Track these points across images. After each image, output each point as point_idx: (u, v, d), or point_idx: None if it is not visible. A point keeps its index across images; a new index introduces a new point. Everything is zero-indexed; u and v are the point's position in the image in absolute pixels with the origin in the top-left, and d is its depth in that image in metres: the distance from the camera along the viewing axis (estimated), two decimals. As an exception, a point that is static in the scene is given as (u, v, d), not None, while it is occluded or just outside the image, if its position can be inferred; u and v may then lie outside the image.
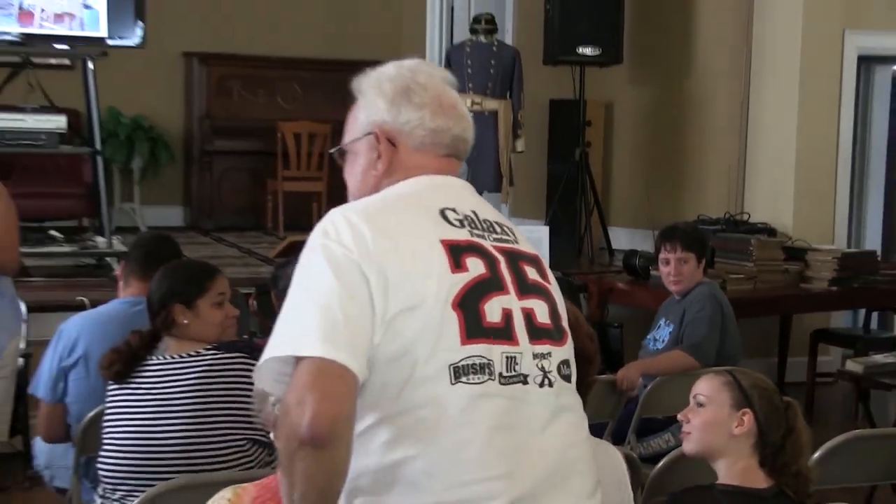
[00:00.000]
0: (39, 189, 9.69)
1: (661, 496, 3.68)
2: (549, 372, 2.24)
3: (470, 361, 2.14)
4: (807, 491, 3.30)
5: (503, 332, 2.19)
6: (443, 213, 2.28)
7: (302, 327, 2.07)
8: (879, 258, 8.73)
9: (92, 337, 4.20)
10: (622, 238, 9.83)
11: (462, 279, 2.18)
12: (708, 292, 5.73)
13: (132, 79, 10.49)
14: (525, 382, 2.20)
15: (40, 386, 4.57)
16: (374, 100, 2.40)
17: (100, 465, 3.75)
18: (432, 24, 12.25)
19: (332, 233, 2.16)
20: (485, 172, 9.31)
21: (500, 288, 2.23)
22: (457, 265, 2.19)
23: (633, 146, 10.62)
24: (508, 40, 10.26)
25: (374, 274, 2.09)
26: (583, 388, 3.09)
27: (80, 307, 6.24)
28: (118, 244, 8.34)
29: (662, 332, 5.78)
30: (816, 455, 3.87)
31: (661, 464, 3.97)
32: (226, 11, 11.58)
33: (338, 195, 9.11)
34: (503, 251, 2.30)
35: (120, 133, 11.03)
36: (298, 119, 11.00)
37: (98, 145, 9.00)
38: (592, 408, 4.40)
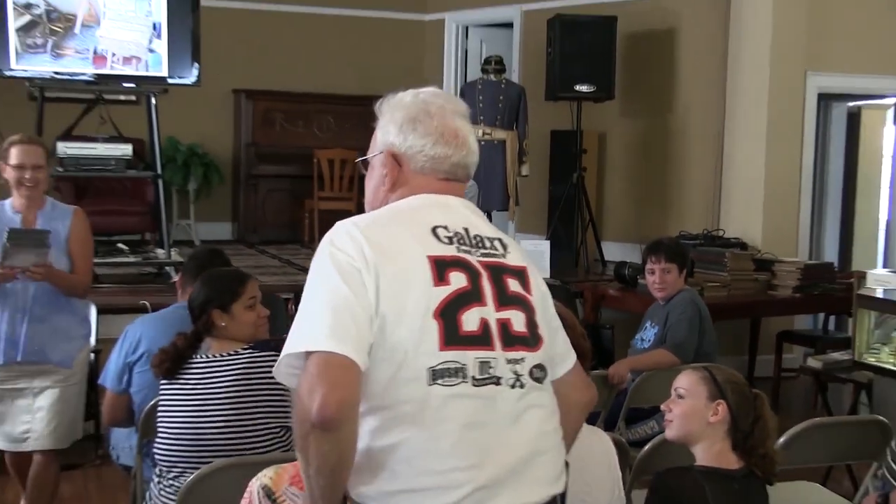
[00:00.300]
0: (109, 207, 9.71)
1: (647, 475, 3.67)
2: (521, 375, 2.25)
3: (446, 366, 2.16)
4: (773, 471, 3.30)
5: (480, 340, 2.22)
6: (434, 230, 2.29)
7: (313, 326, 2.12)
8: (836, 269, 8.69)
9: (153, 336, 4.21)
10: (614, 251, 9.79)
11: (443, 292, 2.20)
12: (688, 298, 5.73)
13: (188, 112, 10.48)
14: (498, 384, 2.21)
15: (108, 377, 4.58)
16: (388, 124, 2.46)
17: (156, 450, 3.80)
18: (449, 65, 12.24)
19: (337, 243, 2.20)
20: (494, 193, 9.33)
21: (479, 299, 2.25)
22: (440, 279, 2.21)
23: (623, 171, 10.60)
24: (515, 79, 10.26)
25: (370, 280, 2.14)
26: None
27: (143, 310, 6.30)
28: (176, 255, 8.40)
29: (648, 333, 5.77)
30: (781, 440, 3.86)
31: (646, 447, 3.96)
32: (269, 54, 11.58)
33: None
34: (488, 265, 2.31)
35: (178, 159, 11.08)
36: (332, 147, 10.99)
37: (159, 170, 9.03)
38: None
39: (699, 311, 5.68)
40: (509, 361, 2.24)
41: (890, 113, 9.88)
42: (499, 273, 2.32)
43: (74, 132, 8.62)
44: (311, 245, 10.45)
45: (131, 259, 8.47)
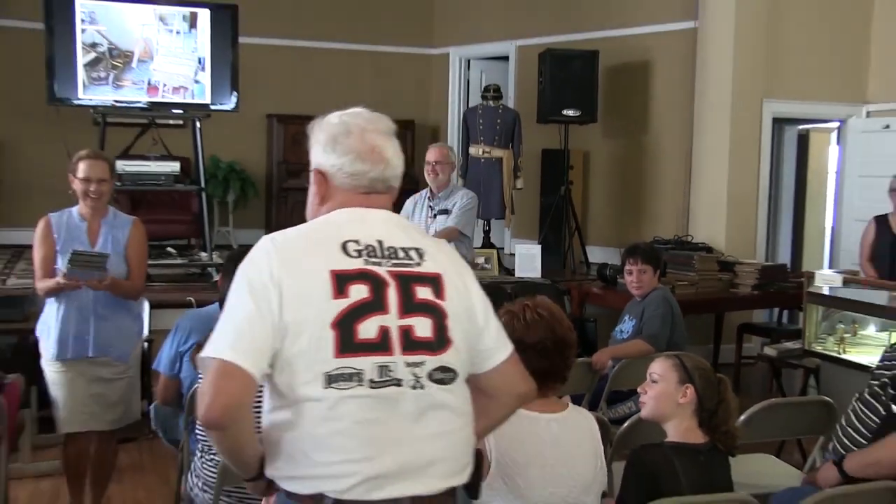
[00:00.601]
0: (160, 216, 9.70)
1: (625, 450, 3.68)
2: (421, 377, 2.19)
3: (340, 371, 2.13)
4: (734, 445, 3.31)
5: (377, 346, 2.17)
6: (344, 245, 2.24)
7: (221, 335, 2.13)
8: (788, 270, 8.70)
9: (201, 329, 4.22)
10: (596, 254, 9.76)
11: (341, 304, 2.16)
12: (661, 295, 5.73)
13: (228, 134, 10.50)
14: (399, 385, 2.17)
15: (162, 364, 4.58)
16: (315, 144, 2.41)
17: (198, 430, 3.82)
18: (453, 93, 12.25)
19: (254, 258, 2.22)
20: (493, 204, 9.31)
21: (381, 308, 2.19)
22: (339, 292, 2.17)
23: (604, 185, 10.59)
24: (510, 104, 10.25)
25: (275, 295, 2.13)
26: (566, 368, 3.12)
27: (189, 305, 6.36)
28: (217, 258, 8.48)
29: (627, 326, 5.77)
30: (741, 418, 3.89)
31: (625, 425, 4.00)
32: (298, 83, 11.57)
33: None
34: (397, 275, 2.24)
35: (219, 175, 11.09)
36: None
37: (202, 184, 9.09)
38: (574, 382, 4.42)
39: (671, 306, 5.68)
40: (409, 365, 2.19)
41: (833, 135, 9.88)
42: (407, 282, 2.25)
43: (131, 152, 8.68)
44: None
45: (179, 261, 8.61)
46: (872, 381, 3.77)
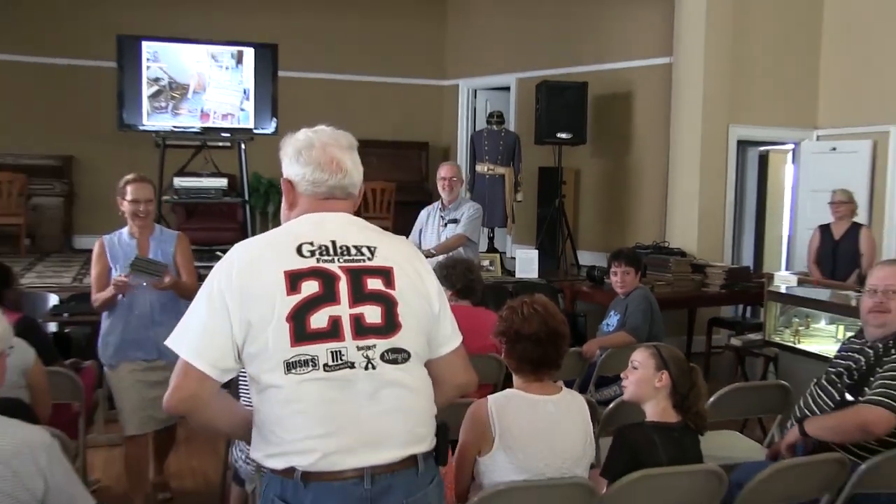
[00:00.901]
0: (210, 225, 9.78)
1: (611, 427, 3.70)
2: (373, 359, 2.16)
3: (297, 358, 2.12)
4: (704, 424, 3.31)
5: (328, 334, 2.14)
6: (299, 247, 2.21)
7: (184, 334, 2.18)
8: (751, 271, 8.68)
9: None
10: (586, 257, 9.78)
11: (294, 300, 2.14)
12: (642, 294, 5.72)
13: (268, 154, 10.39)
14: (352, 367, 2.14)
15: None
16: (283, 156, 2.38)
17: None
18: (461, 118, 12.26)
19: (219, 269, 2.20)
20: (496, 215, 9.30)
21: (331, 300, 2.17)
22: (292, 289, 2.15)
23: (593, 198, 10.58)
24: (511, 128, 10.24)
25: (234, 299, 2.13)
26: (559, 356, 3.12)
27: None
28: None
29: (612, 320, 5.75)
30: (711, 399, 3.90)
31: (611, 406, 4.00)
32: (328, 110, 11.31)
33: (399, 228, 9.04)
34: (348, 269, 2.21)
35: (260, 189, 11.08)
36: (374, 180, 10.81)
37: (247, 197, 9.14)
38: (566, 368, 4.43)
39: (650, 303, 5.67)
40: (360, 348, 2.16)
41: (789, 156, 9.88)
42: (358, 275, 2.21)
43: (186, 170, 8.72)
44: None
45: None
46: (830, 370, 3.76)
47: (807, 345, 5.74)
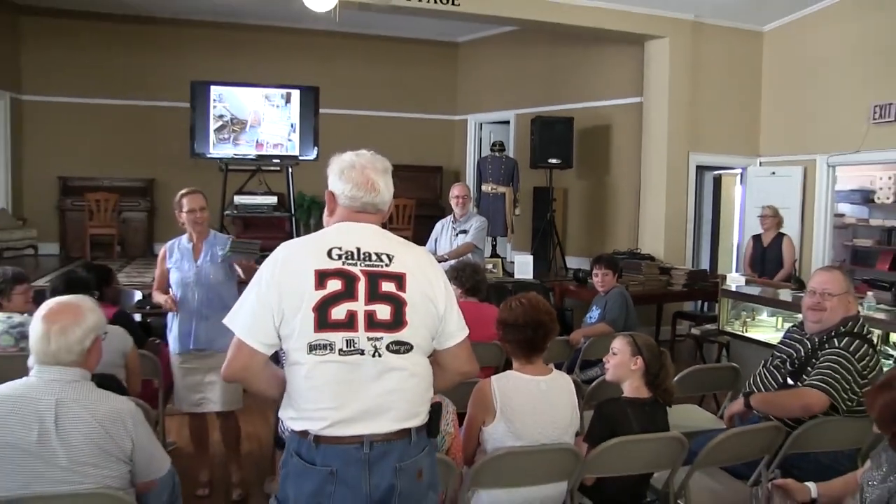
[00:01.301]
0: (262, 235, 9.59)
1: (593, 402, 3.70)
2: (380, 349, 2.17)
3: (318, 342, 2.16)
4: (671, 399, 3.32)
5: (345, 325, 2.16)
6: (329, 251, 2.22)
7: (239, 315, 2.22)
8: (708, 273, 8.64)
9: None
10: (573, 261, 9.73)
11: (320, 294, 2.16)
12: (619, 291, 5.72)
13: (311, 176, 10.42)
14: (362, 353, 2.17)
15: None
16: (330, 172, 2.38)
17: None
18: (469, 147, 12.25)
19: (267, 263, 2.24)
20: (498, 226, 9.28)
21: (350, 297, 2.18)
22: (320, 284, 2.17)
23: (578, 212, 10.54)
24: (511, 154, 10.22)
25: (275, 290, 2.17)
26: (543, 341, 3.12)
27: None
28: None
29: (594, 313, 5.75)
30: (675, 379, 3.88)
31: (592, 385, 4.02)
32: (359, 139, 11.44)
33: (417, 237, 9.00)
34: (367, 273, 2.21)
35: (304, 205, 11.05)
36: (397, 197, 10.67)
37: (293, 212, 9.17)
38: (556, 353, 4.43)
39: (626, 299, 5.67)
40: (370, 339, 2.17)
41: (738, 178, 9.84)
42: (375, 278, 2.21)
43: (244, 189, 8.77)
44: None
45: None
46: (776, 354, 3.77)
47: (753, 333, 5.75)
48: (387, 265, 2.24)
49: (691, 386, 4.33)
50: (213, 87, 8.63)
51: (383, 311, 2.20)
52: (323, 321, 2.16)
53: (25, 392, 2.46)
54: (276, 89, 8.92)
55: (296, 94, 8.90)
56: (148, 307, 6.65)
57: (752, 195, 9.27)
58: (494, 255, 9.41)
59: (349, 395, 2.17)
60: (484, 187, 9.57)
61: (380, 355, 2.18)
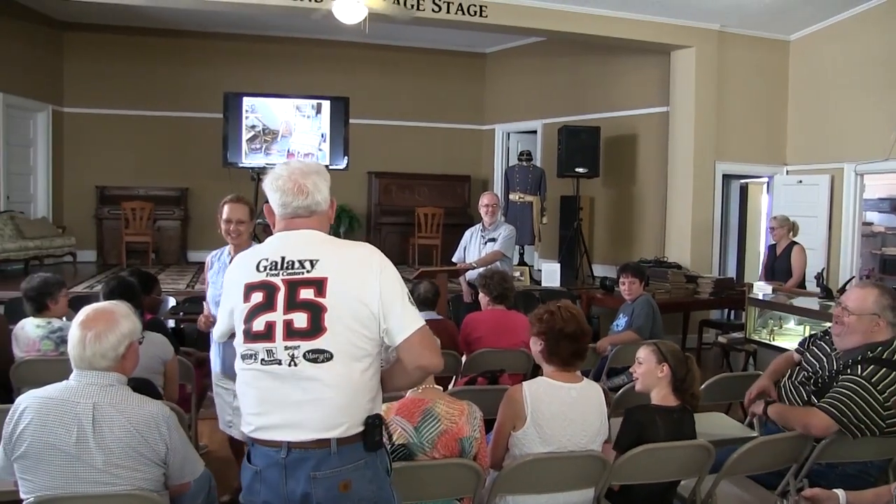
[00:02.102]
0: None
1: (620, 409, 3.67)
2: (297, 357, 2.16)
3: (246, 352, 2.23)
4: (697, 404, 3.28)
5: (265, 336, 2.19)
6: (258, 264, 2.25)
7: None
8: (735, 281, 8.58)
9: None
10: (599, 270, 9.70)
11: (246, 307, 2.23)
12: (646, 299, 5.67)
13: (341, 185, 10.48)
14: (280, 363, 2.17)
15: None
16: (265, 189, 2.38)
17: None
18: (497, 156, 12.23)
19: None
20: (525, 234, 9.25)
21: (270, 308, 2.20)
22: (246, 298, 2.23)
23: (604, 221, 10.49)
24: (538, 164, 10.21)
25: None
26: (586, 350, 3.14)
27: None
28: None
29: (621, 321, 5.70)
30: (702, 387, 3.84)
31: (619, 392, 4.00)
32: (388, 149, 11.60)
33: (446, 245, 9.00)
34: (288, 282, 2.20)
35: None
36: (426, 206, 10.92)
37: (325, 220, 9.15)
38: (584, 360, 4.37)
39: (653, 307, 5.62)
40: (287, 348, 2.17)
41: (764, 187, 9.78)
42: (294, 286, 2.19)
43: (276, 198, 8.79)
44: (412, 266, 10.46)
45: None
46: (803, 365, 3.64)
47: (780, 341, 5.69)
48: (308, 271, 2.22)
49: (718, 394, 4.28)
50: (245, 98, 8.73)
51: (300, 320, 2.18)
52: (248, 333, 2.22)
53: (64, 395, 2.50)
54: (306, 100, 9.00)
55: (326, 104, 8.97)
56: (181, 314, 6.73)
57: (778, 204, 9.19)
58: (522, 263, 9.39)
59: (270, 404, 2.21)
60: (511, 196, 9.55)
61: (296, 364, 2.17)
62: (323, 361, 2.16)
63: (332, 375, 2.17)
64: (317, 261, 2.23)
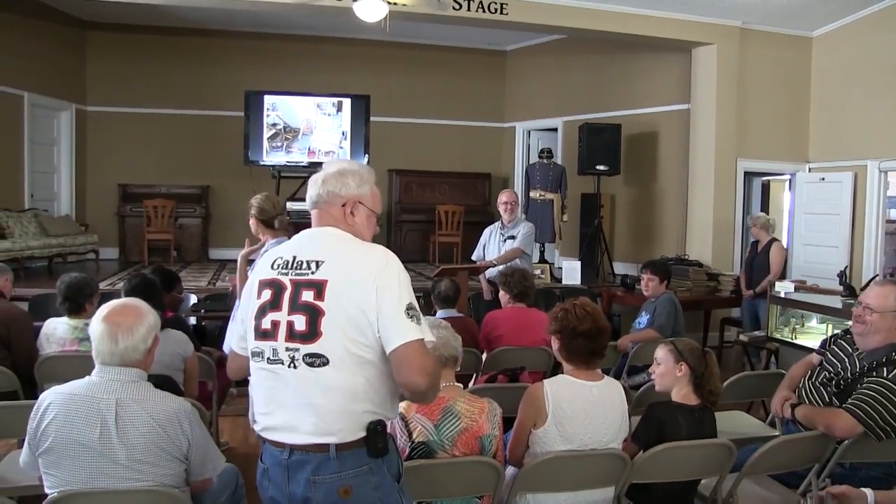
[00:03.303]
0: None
1: (640, 407, 3.65)
2: (296, 359, 2.13)
3: (255, 350, 2.24)
4: (716, 400, 3.27)
5: (270, 335, 2.18)
6: (273, 262, 2.25)
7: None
8: (756, 279, 8.52)
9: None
10: (620, 267, 9.67)
11: (257, 304, 2.23)
12: (668, 297, 5.63)
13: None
14: (282, 363, 2.16)
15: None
16: None
17: None
18: (518, 154, 12.21)
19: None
20: (546, 232, 9.25)
21: (276, 307, 2.18)
22: (258, 296, 2.23)
23: (625, 219, 10.45)
24: (558, 161, 10.18)
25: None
26: (605, 348, 3.13)
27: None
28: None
29: (642, 319, 5.67)
30: (724, 385, 3.82)
31: (640, 390, 3.97)
32: (409, 149, 11.63)
33: (466, 242, 9.02)
34: (294, 282, 2.17)
35: (355, 211, 11.11)
36: (446, 203, 10.89)
37: (345, 218, 9.16)
38: (603, 359, 4.36)
39: (675, 305, 5.57)
40: (287, 349, 2.14)
41: (787, 184, 9.70)
42: (299, 287, 2.15)
43: (296, 196, 8.83)
44: (433, 264, 10.47)
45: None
46: (824, 365, 3.61)
47: (802, 340, 5.65)
48: (312, 273, 2.17)
49: (739, 392, 4.25)
50: (266, 97, 8.77)
51: (300, 322, 2.15)
52: (257, 330, 2.22)
53: (88, 391, 2.52)
54: (327, 98, 9.02)
55: (347, 102, 8.98)
56: (203, 311, 6.76)
57: (801, 201, 9.12)
58: (542, 260, 9.37)
59: (274, 404, 2.20)
60: (532, 194, 9.54)
61: (296, 367, 2.15)
62: (319, 366, 2.12)
63: (327, 380, 2.12)
64: (322, 262, 2.18)
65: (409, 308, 2.13)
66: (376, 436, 2.15)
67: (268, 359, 2.19)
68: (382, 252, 2.24)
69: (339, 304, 2.12)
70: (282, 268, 2.22)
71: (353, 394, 2.13)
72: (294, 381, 2.15)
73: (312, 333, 2.12)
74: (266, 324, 2.19)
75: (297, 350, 2.14)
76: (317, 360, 2.12)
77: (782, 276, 7.41)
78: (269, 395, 2.21)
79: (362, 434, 2.14)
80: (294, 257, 2.22)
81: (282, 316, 2.17)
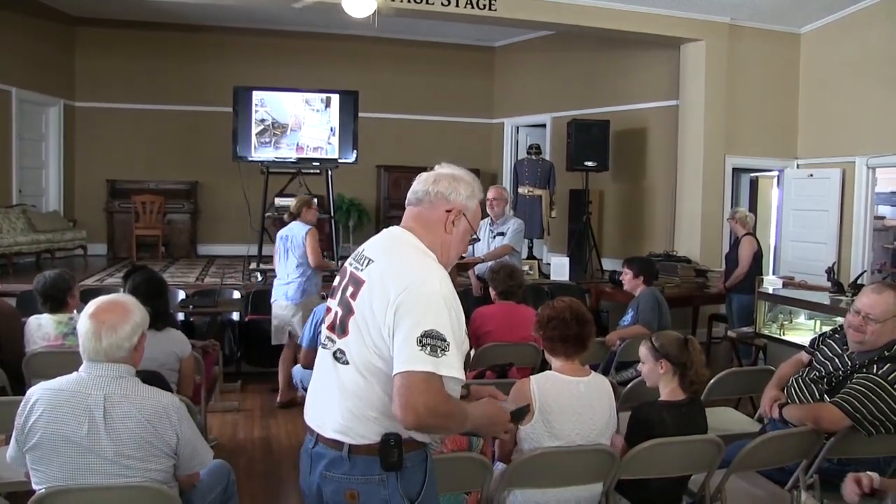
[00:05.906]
0: (304, 236, 9.85)
1: (628, 404, 3.66)
2: (333, 351, 2.13)
3: (322, 330, 2.25)
4: (701, 388, 3.28)
5: (329, 321, 2.19)
6: (356, 253, 2.22)
7: None
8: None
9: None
10: (608, 264, 9.64)
11: (334, 286, 2.23)
12: (650, 292, 5.56)
13: (350, 179, 10.59)
14: (328, 350, 2.16)
15: (304, 340, 4.65)
16: None
17: None
18: (506, 150, 12.24)
19: None
20: (535, 228, 9.22)
21: (334, 294, 2.20)
22: (339, 277, 2.22)
23: (614, 215, 10.48)
24: (547, 157, 10.18)
25: None
26: (586, 337, 3.11)
27: (323, 299, 6.34)
28: (340, 264, 8.41)
29: (628, 316, 5.63)
30: (711, 381, 3.84)
31: (628, 386, 3.98)
32: (397, 143, 11.64)
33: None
34: (351, 275, 2.14)
35: (343, 207, 11.14)
36: None
37: (332, 214, 9.18)
38: (592, 355, 4.39)
39: (657, 300, 5.51)
40: (329, 339, 2.16)
41: (775, 180, 9.74)
42: (349, 281, 2.13)
43: (284, 192, 8.80)
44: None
45: (318, 267, 8.58)
46: (814, 365, 3.60)
47: (790, 336, 5.66)
48: (361, 270, 2.13)
49: (728, 388, 4.26)
50: (255, 92, 8.70)
51: (339, 315, 2.14)
52: (328, 311, 2.24)
53: (76, 387, 2.51)
54: (316, 94, 8.96)
55: (335, 98, 8.93)
56: (191, 307, 6.74)
57: (789, 197, 9.16)
58: (531, 256, 9.36)
59: (314, 390, 2.23)
60: (520, 190, 9.53)
61: (336, 358, 2.13)
62: (344, 363, 2.10)
63: (346, 380, 2.09)
64: (373, 261, 2.12)
65: (425, 336, 1.94)
66: (389, 448, 2.04)
67: (322, 343, 2.21)
68: (425, 270, 2.07)
69: (366, 308, 2.05)
70: (353, 258, 2.21)
71: (367, 400, 2.06)
72: (332, 371, 2.13)
73: (342, 330, 2.11)
74: (331, 307, 2.21)
75: (333, 342, 2.14)
76: (343, 357, 2.10)
77: (760, 272, 7.41)
78: (315, 378, 2.23)
79: (375, 440, 2.06)
80: (363, 250, 2.20)
81: (336, 304, 2.18)
